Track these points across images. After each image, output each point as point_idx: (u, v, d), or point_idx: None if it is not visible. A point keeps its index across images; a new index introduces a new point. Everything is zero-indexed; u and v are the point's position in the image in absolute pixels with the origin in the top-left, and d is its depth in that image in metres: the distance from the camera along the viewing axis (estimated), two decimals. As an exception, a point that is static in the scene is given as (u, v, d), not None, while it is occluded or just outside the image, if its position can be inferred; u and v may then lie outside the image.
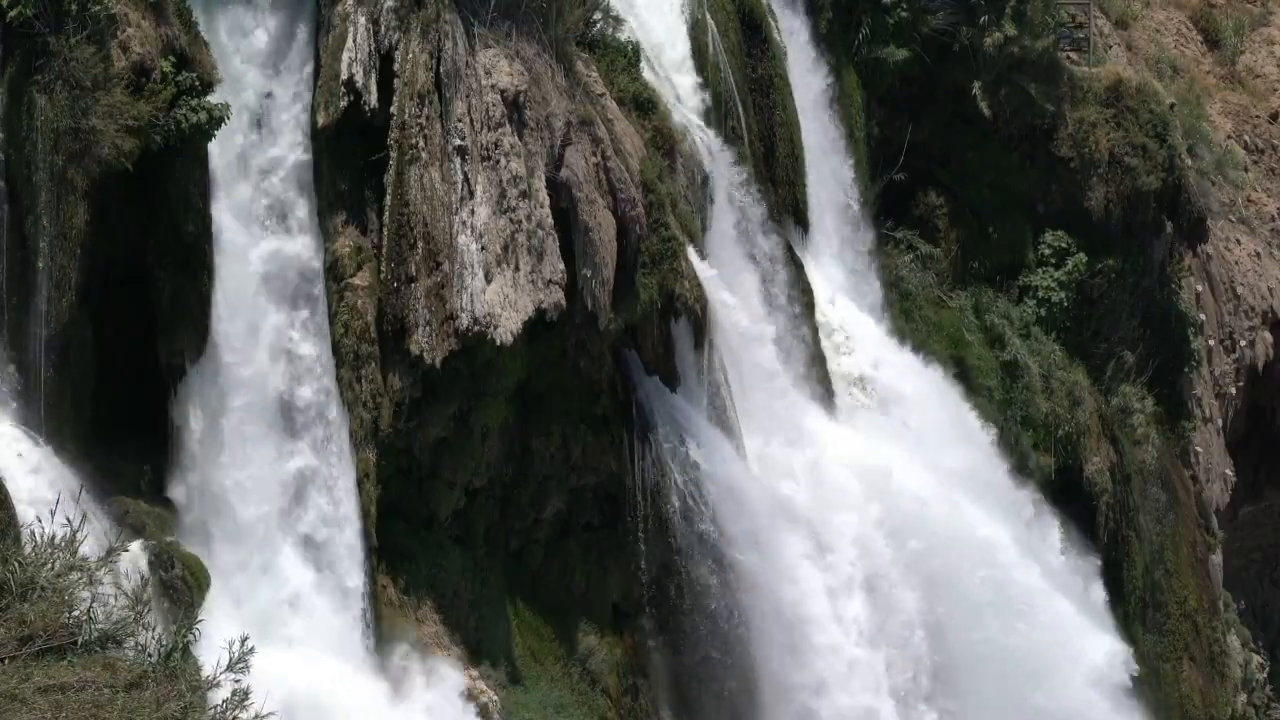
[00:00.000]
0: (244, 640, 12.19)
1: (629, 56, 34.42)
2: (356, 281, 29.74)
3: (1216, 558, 47.83)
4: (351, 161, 29.98)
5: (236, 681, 11.98)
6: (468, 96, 30.25)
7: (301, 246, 29.31)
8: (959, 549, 37.81)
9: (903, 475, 38.01)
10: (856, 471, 37.30)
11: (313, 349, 29.30)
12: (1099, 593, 41.77)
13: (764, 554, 34.28)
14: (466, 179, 30.16)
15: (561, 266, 30.70)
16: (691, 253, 34.04)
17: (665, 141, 34.64)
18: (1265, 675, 50.15)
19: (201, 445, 27.99)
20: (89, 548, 13.88)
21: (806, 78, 40.36)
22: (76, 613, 12.81)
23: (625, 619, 33.71)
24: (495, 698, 30.85)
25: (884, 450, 38.50)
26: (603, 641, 33.18)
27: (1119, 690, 40.05)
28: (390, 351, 29.85)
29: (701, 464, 33.58)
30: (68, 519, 13.43)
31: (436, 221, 29.78)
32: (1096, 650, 39.49)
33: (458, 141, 30.09)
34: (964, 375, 41.70)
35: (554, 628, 32.77)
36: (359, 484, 29.58)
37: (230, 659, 11.95)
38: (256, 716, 12.48)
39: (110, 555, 13.22)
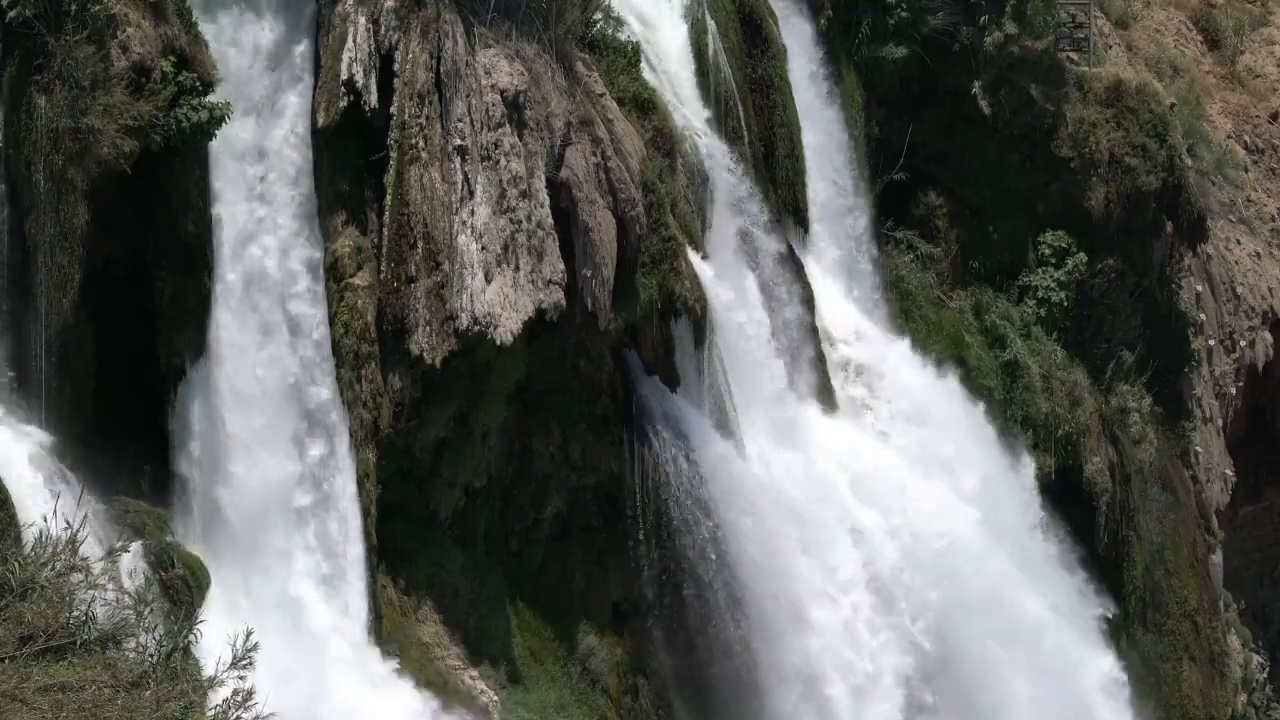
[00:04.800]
0: (248, 635, 12.13)
1: (629, 56, 34.40)
2: (356, 281, 29.73)
3: (1216, 558, 47.80)
4: (351, 161, 29.98)
5: (241, 679, 11.94)
6: (468, 96, 30.24)
7: None
8: (960, 548, 37.80)
9: (902, 474, 38.01)
10: (856, 471, 37.30)
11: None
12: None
13: (764, 553, 34.26)
14: (466, 179, 30.15)
15: (561, 266, 30.69)
16: (691, 253, 34.03)
17: (665, 141, 34.62)
18: (1265, 675, 50.12)
19: (201, 445, 27.97)
20: (89, 548, 13.86)
21: (806, 77, 40.34)
22: (76, 613, 12.79)
23: (625, 619, 33.69)
24: (495, 698, 30.83)
25: (883, 449, 38.51)
26: (603, 641, 33.16)
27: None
28: (390, 351, 29.83)
29: (701, 464, 33.57)
30: (68, 522, 13.41)
31: (436, 221, 29.77)
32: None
33: (458, 141, 30.08)
34: (964, 375, 41.67)
35: (554, 628, 32.75)
36: (359, 484, 29.57)
37: (234, 655, 11.91)
38: (257, 717, 12.46)
39: (111, 556, 13.19)
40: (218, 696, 12.34)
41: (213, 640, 13.64)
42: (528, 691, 31.68)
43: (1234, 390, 49.67)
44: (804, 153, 39.33)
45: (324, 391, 29.39)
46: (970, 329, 42.81)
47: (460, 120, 30.10)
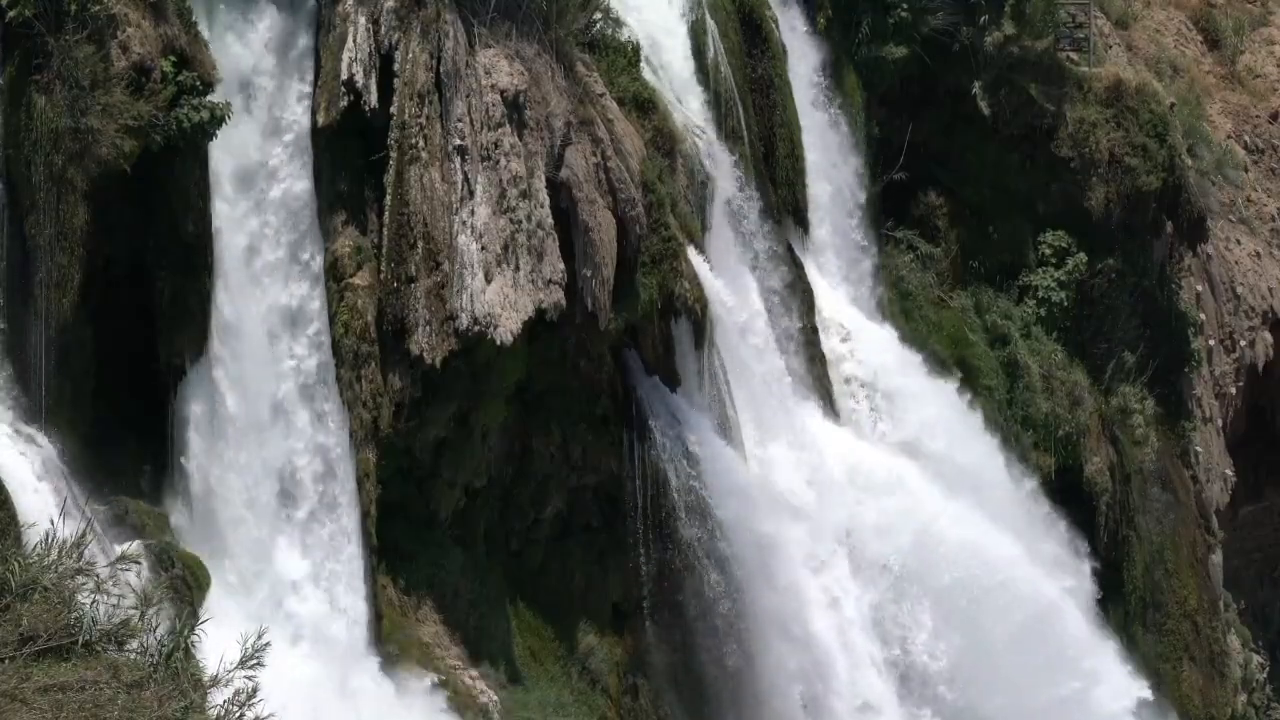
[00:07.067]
0: (259, 635, 12.12)
1: (629, 56, 34.40)
2: (356, 281, 29.73)
3: (1216, 558, 47.81)
4: (351, 161, 29.97)
5: (249, 678, 11.92)
6: (468, 96, 30.24)
7: None
8: (960, 549, 37.79)
9: (901, 474, 38.00)
10: (855, 471, 37.29)
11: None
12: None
13: (763, 553, 34.27)
14: (466, 179, 30.15)
15: (561, 266, 30.69)
16: (691, 253, 34.02)
17: (665, 141, 34.61)
18: (1265, 675, 50.12)
19: (200, 445, 27.95)
20: (89, 549, 13.85)
21: (807, 78, 40.33)
22: (78, 613, 12.78)
23: (625, 619, 33.70)
24: (495, 698, 30.83)
25: (882, 449, 38.50)
26: (603, 641, 33.16)
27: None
28: (390, 351, 29.83)
29: (701, 464, 33.57)
30: (87, 519, 13.39)
31: (436, 221, 29.77)
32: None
33: (458, 141, 30.08)
34: (965, 375, 41.66)
35: (554, 628, 32.75)
36: (359, 484, 29.56)
37: (243, 654, 11.90)
38: (257, 718, 12.46)
39: (120, 563, 13.17)
40: (221, 696, 12.34)
41: (214, 640, 13.63)
42: (528, 691, 31.69)
43: (1234, 390, 49.67)
44: (804, 153, 39.32)
45: (324, 391, 29.38)
46: (971, 329, 42.82)
47: (460, 120, 30.10)
